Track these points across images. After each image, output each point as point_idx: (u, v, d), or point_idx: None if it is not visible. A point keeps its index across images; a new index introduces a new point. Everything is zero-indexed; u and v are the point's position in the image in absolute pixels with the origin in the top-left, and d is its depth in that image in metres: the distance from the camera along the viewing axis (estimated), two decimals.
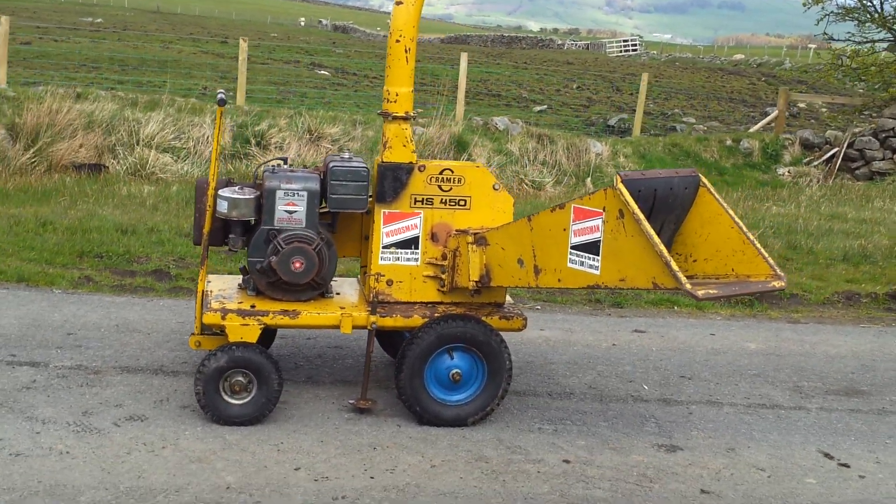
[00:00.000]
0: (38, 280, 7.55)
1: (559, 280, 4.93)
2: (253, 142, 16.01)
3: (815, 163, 19.21)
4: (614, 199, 4.56)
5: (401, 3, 5.26)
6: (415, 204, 5.37)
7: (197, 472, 4.61)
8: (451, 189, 5.37)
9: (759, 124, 22.48)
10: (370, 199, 5.39)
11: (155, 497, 4.35)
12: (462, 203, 5.38)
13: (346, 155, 5.52)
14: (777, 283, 4.63)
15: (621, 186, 4.55)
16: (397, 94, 5.32)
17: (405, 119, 5.34)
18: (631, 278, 4.60)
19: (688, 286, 4.34)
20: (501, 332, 5.37)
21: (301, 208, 5.29)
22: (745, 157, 19.70)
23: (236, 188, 5.32)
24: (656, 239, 4.42)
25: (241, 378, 5.12)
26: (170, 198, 11.25)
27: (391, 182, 5.34)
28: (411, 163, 5.35)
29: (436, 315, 5.30)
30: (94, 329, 6.43)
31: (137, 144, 15.42)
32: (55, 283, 7.54)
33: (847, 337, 7.57)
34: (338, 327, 5.29)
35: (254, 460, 4.77)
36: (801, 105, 28.99)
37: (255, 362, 5.09)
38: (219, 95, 5.20)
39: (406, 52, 5.28)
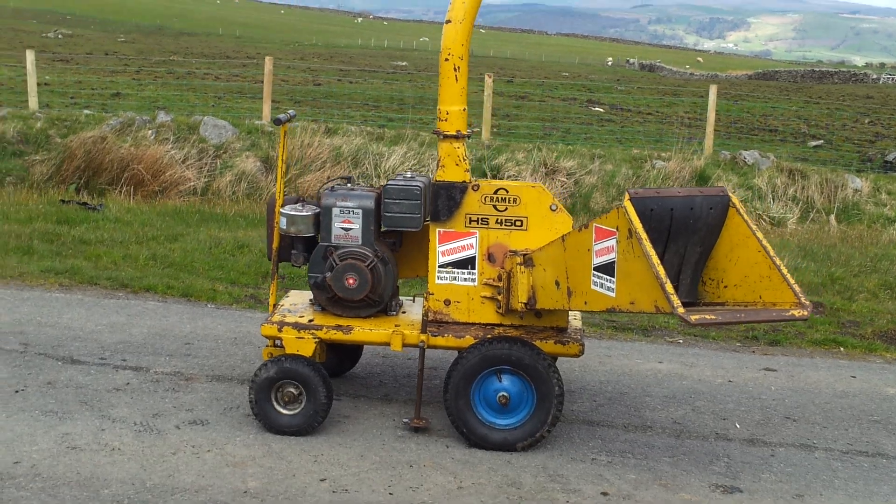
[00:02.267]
0: (201, 296, 8.09)
1: (585, 303, 4.76)
2: (489, 175, 16.29)
3: None
4: (624, 218, 4.36)
5: (450, 21, 5.28)
6: (470, 223, 5.34)
7: (227, 475, 4.80)
8: (506, 209, 5.31)
9: None
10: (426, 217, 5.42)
11: (172, 495, 4.58)
12: (518, 223, 5.30)
13: (409, 174, 5.59)
14: (797, 313, 4.24)
15: (628, 204, 4.35)
16: (447, 113, 5.34)
17: (457, 138, 5.35)
18: (638, 301, 4.37)
19: (679, 310, 4.08)
20: (561, 357, 5.24)
21: (357, 226, 5.40)
22: None
23: (298, 205, 5.51)
24: (655, 259, 4.19)
25: (292, 389, 5.28)
26: None
27: (445, 201, 5.34)
28: (465, 182, 5.34)
29: (487, 337, 5.23)
30: (211, 340, 6.83)
31: (378, 177, 16.15)
32: (216, 299, 8.05)
33: None
34: (388, 344, 5.34)
35: (286, 468, 4.90)
36: None
37: (303, 374, 5.24)
38: (279, 116, 5.42)
39: (455, 70, 5.29)
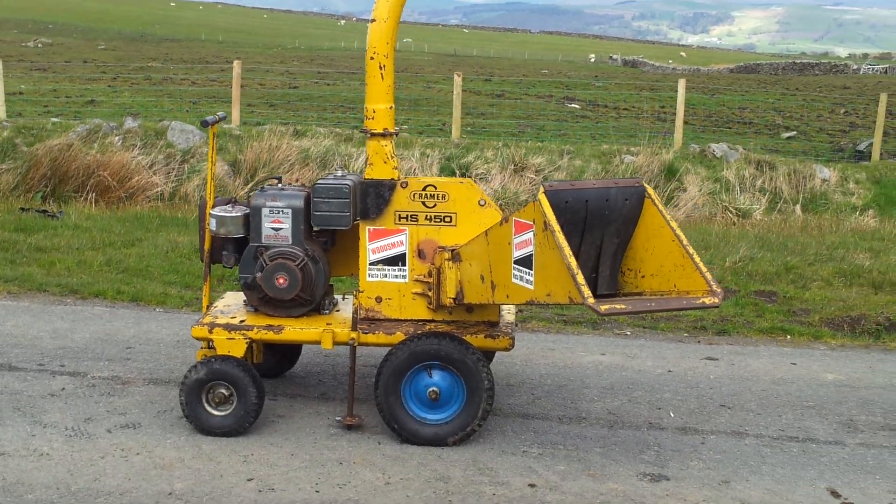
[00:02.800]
0: (150, 300, 8.09)
1: (507, 296, 4.77)
2: (458, 173, 16.30)
3: None
4: (539, 210, 4.38)
5: (374, 20, 5.29)
6: (399, 220, 5.35)
7: (153, 478, 4.80)
8: (435, 205, 5.32)
9: None
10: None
11: (97, 498, 4.58)
12: (447, 220, 5.31)
13: (340, 172, 5.59)
14: (708, 300, 4.26)
15: (542, 197, 4.37)
16: (374, 111, 5.35)
17: (383, 136, 5.36)
18: (553, 293, 4.39)
19: (590, 301, 4.10)
20: (493, 351, 5.26)
21: (286, 225, 5.41)
22: None
23: (228, 206, 5.52)
24: (567, 251, 4.21)
25: (223, 390, 5.28)
26: None
27: (374, 199, 5.36)
28: (393, 179, 5.35)
29: (417, 333, 5.25)
30: (153, 344, 6.83)
31: None
32: (165, 303, 8.05)
33: None
34: (319, 342, 5.35)
35: (214, 469, 4.90)
36: None
37: (232, 375, 5.24)
38: (206, 118, 5.43)
39: (381, 69, 5.31)
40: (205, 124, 5.46)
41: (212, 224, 5.49)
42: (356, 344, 5.32)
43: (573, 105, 31.73)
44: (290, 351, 6.19)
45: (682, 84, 18.58)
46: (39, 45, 65.70)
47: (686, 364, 6.68)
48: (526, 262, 4.55)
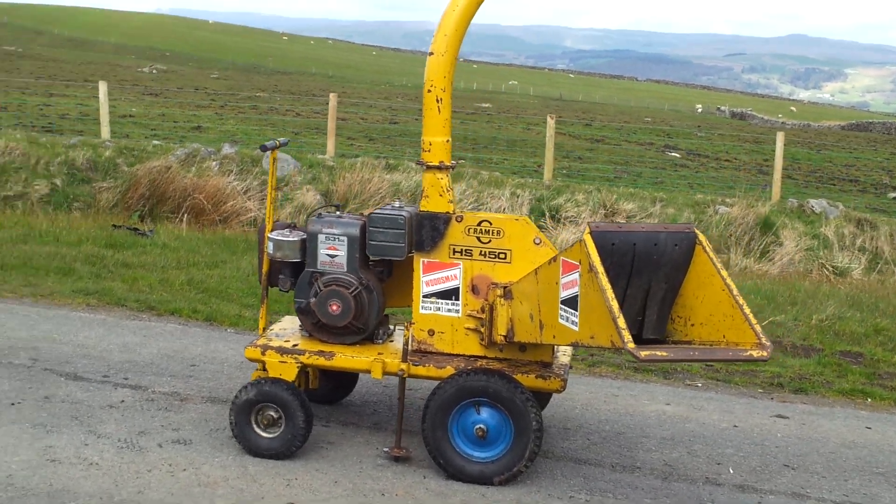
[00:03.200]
0: (224, 321, 8.19)
1: (554, 336, 4.70)
2: (548, 214, 16.23)
3: None
4: (584, 251, 4.31)
5: (432, 53, 5.30)
6: (454, 254, 5.32)
7: (195, 494, 4.82)
8: (489, 241, 5.27)
9: None
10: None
11: None
12: (502, 256, 5.26)
13: (398, 203, 5.59)
14: (755, 353, 4.12)
15: (587, 237, 4.29)
16: (430, 144, 5.35)
17: (440, 168, 5.34)
18: (597, 336, 4.31)
19: (629, 345, 4.00)
20: (547, 392, 5.18)
21: (342, 253, 5.42)
22: None
23: (286, 231, 5.56)
24: (609, 294, 4.12)
25: (272, 413, 5.29)
26: None
27: (429, 231, 5.33)
28: (448, 213, 5.32)
29: (466, 368, 5.19)
30: (218, 363, 6.89)
31: None
32: (238, 324, 8.14)
33: None
34: (369, 371, 5.33)
35: (256, 491, 4.90)
36: None
37: (282, 398, 5.25)
38: (265, 143, 5.49)
39: (437, 101, 5.30)
40: (263, 149, 5.51)
41: (269, 247, 5.53)
42: (406, 375, 5.28)
43: (673, 154, 31.41)
44: (347, 378, 6.19)
45: (780, 137, 18.22)
46: (154, 72, 67.68)
47: (754, 420, 6.48)
48: (572, 302, 4.47)
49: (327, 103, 19.43)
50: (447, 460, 5.17)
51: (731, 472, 5.56)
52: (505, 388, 5.05)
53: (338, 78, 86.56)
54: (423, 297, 5.39)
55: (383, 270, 5.60)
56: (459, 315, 5.35)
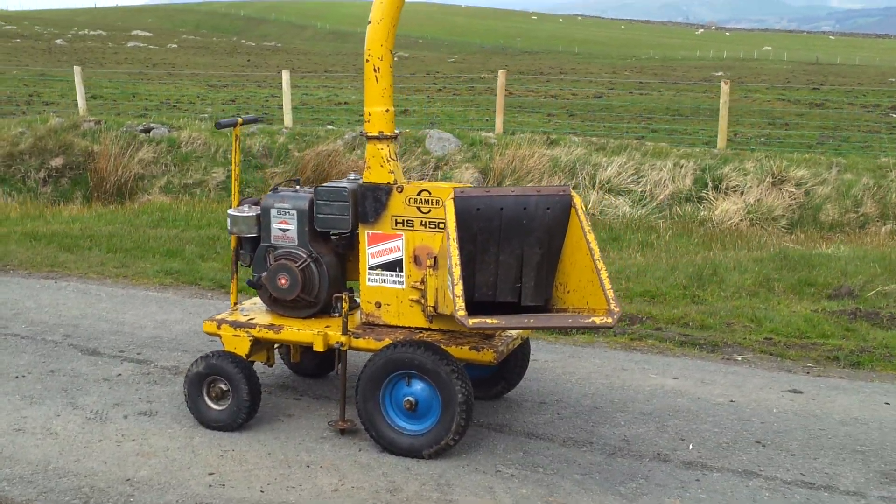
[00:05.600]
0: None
1: (446, 307, 4.57)
2: (710, 185, 15.66)
3: None
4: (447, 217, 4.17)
5: (370, 21, 5.23)
6: (396, 225, 5.26)
7: (127, 464, 5.00)
8: (429, 211, 5.17)
9: None
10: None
11: (60, 478, 4.84)
12: (441, 226, 5.15)
13: (352, 176, 5.57)
14: (598, 320, 3.84)
15: (448, 203, 4.15)
16: (370, 114, 5.29)
17: (379, 139, 5.28)
18: (449, 304, 4.15)
19: (459, 313, 3.84)
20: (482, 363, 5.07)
21: (293, 227, 5.47)
22: None
23: (244, 207, 5.66)
24: (454, 260, 3.97)
25: (222, 385, 5.43)
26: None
27: (372, 203, 5.29)
28: (389, 184, 5.26)
29: (398, 341, 5.13)
30: None
31: (593, 188, 15.97)
32: None
33: None
34: (312, 344, 5.37)
35: (184, 461, 5.03)
36: None
37: (227, 371, 5.37)
38: (220, 121, 5.59)
39: (375, 71, 5.23)
40: (218, 126, 5.62)
41: (228, 223, 5.65)
42: (345, 348, 5.28)
43: (894, 115, 29.32)
44: (331, 354, 6.22)
45: None
46: (395, 59, 69.45)
47: (758, 395, 6.04)
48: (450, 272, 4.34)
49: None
50: (378, 433, 5.14)
51: (690, 448, 5.22)
52: (429, 360, 4.95)
53: (584, 55, 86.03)
54: (370, 269, 5.36)
55: (340, 244, 5.60)
56: (404, 287, 5.29)
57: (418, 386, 5.06)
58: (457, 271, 3.92)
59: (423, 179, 16.57)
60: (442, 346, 5.02)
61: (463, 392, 4.93)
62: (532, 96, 36.20)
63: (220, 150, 17.53)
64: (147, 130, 18.06)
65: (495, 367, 5.78)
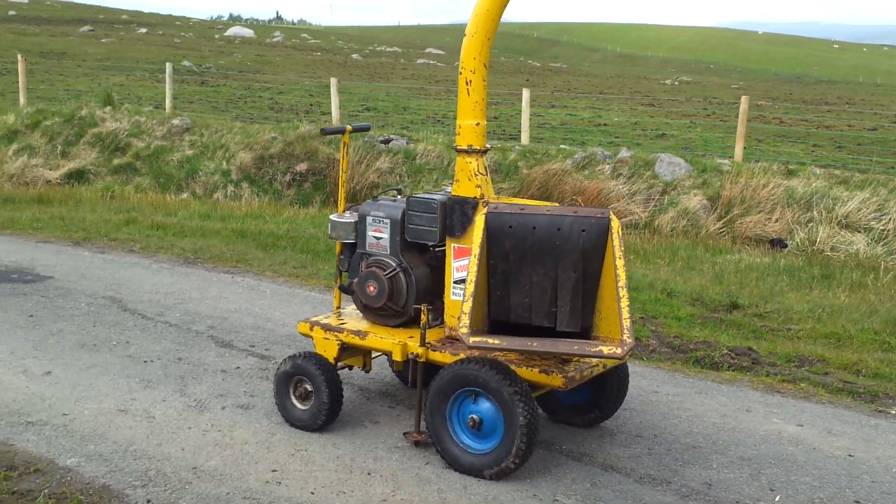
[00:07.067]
0: None
1: None
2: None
3: None
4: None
5: (465, 35, 5.16)
6: None
7: (202, 452, 5.15)
8: None
9: None
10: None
11: (135, 460, 5.05)
12: None
13: (448, 189, 5.50)
14: (605, 349, 3.57)
15: (479, 217, 4.00)
16: (461, 127, 5.20)
17: (468, 152, 5.18)
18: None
19: (462, 331, 3.69)
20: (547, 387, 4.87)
21: (385, 235, 5.47)
22: None
23: (346, 213, 5.70)
24: (472, 276, 3.82)
25: (307, 386, 5.49)
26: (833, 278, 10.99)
27: (459, 216, 5.19)
28: (476, 198, 5.15)
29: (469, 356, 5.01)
30: None
31: (828, 222, 15.11)
32: None
33: None
34: (391, 353, 5.33)
35: (255, 456, 5.12)
36: None
37: (310, 372, 5.43)
38: (325, 128, 5.68)
39: (467, 84, 5.14)
40: (324, 132, 5.69)
41: (328, 228, 5.72)
42: (421, 360, 5.21)
43: None
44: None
45: None
46: (676, 84, 68.40)
47: (884, 453, 5.43)
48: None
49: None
50: (444, 448, 5.03)
51: (777, 499, 4.78)
52: (493, 379, 4.79)
53: (887, 86, 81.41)
54: (454, 283, 5.26)
55: (436, 256, 5.53)
56: None
57: (484, 405, 4.91)
58: (470, 288, 3.79)
59: (647, 203, 16.25)
60: (510, 367, 4.85)
61: (525, 415, 4.74)
62: (803, 126, 34.57)
63: (452, 163, 17.83)
64: (386, 142, 18.63)
65: (589, 394, 5.54)
